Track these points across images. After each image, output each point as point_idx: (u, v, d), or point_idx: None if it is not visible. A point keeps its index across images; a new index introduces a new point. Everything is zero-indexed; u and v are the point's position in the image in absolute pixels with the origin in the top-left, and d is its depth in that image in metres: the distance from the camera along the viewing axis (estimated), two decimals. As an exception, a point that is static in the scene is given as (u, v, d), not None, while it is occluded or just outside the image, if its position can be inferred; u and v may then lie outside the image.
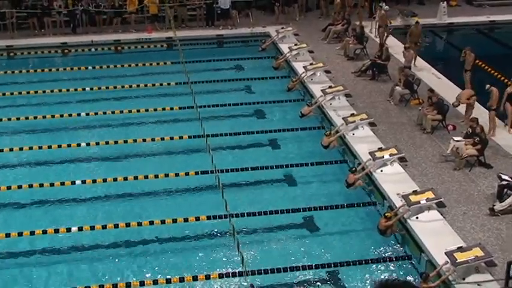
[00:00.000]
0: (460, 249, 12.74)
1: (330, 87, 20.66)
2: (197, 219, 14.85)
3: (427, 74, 22.06)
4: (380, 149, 16.66)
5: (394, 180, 15.67)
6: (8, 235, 14.43)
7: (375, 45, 23.44)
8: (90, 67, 24.38)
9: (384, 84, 21.78)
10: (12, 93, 22.16)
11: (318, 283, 12.92)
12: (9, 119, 20.15)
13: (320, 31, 27.05)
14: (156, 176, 16.59)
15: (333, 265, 13.25)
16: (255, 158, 17.69)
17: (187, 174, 16.72)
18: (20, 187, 16.36)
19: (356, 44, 24.49)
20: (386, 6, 26.51)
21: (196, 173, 16.72)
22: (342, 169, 16.93)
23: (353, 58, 24.19)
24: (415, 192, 14.62)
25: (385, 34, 24.40)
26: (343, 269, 13.19)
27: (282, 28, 26.72)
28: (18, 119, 20.14)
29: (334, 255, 13.61)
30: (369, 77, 22.46)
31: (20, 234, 14.46)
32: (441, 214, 14.32)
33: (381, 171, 16.07)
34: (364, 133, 18.01)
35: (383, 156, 16.29)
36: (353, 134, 17.94)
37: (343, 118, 18.57)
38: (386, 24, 25.15)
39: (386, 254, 13.80)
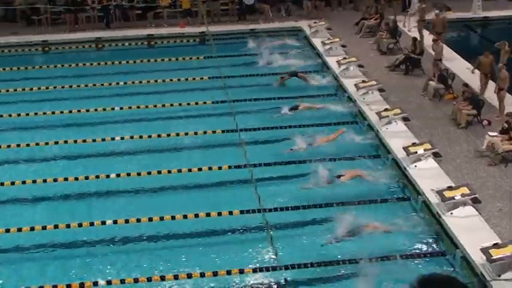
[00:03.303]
0: (496, 245, 12.60)
1: (363, 81, 20.58)
2: (230, 213, 14.85)
3: (462, 69, 21.82)
4: (414, 144, 16.55)
5: (428, 176, 15.55)
6: (44, 228, 14.58)
7: (409, 40, 23.24)
8: (123, 61, 24.53)
9: (417, 78, 21.60)
10: (47, 88, 22.38)
11: (352, 278, 12.84)
12: (44, 113, 20.35)
13: (353, 25, 26.93)
14: (190, 170, 16.66)
15: (366, 260, 13.04)
16: (288, 152, 17.59)
17: (220, 168, 16.73)
18: (55, 180, 16.52)
19: (389, 38, 24.33)
20: None
21: (230, 167, 16.73)
22: (376, 164, 16.82)
23: (386, 52, 24.05)
24: (449, 188, 14.52)
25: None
26: (377, 263, 13.05)
27: (315, 22, 26.66)
28: (53, 113, 20.34)
29: (367, 250, 13.44)
30: (402, 71, 22.30)
31: (56, 226, 14.61)
32: (476, 210, 14.18)
33: (415, 166, 15.95)
34: (397, 128, 17.91)
35: (417, 152, 16.18)
36: (386, 129, 17.84)
37: (376, 113, 18.49)
38: (424, 19, 24.88)
39: (420, 250, 13.67)
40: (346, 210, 14.75)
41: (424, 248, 13.80)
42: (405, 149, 16.35)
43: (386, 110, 18.55)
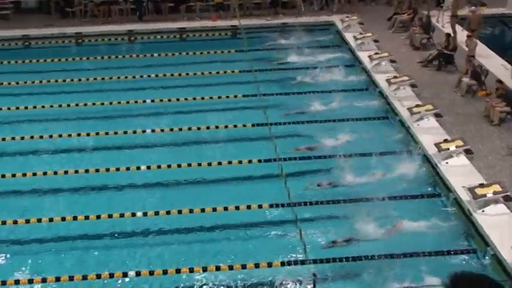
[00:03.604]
0: (528, 244, 12.48)
1: (395, 77, 20.45)
2: (260, 207, 14.88)
3: (496, 65, 21.55)
4: (446, 141, 16.43)
5: (459, 173, 15.45)
6: (75, 218, 14.77)
7: (442, 35, 23.03)
8: (155, 54, 24.64)
9: (450, 74, 21.40)
10: (80, 80, 22.56)
11: (381, 274, 12.76)
12: (76, 105, 20.51)
13: (385, 20, 26.75)
14: (220, 163, 16.71)
15: (395, 256, 13.09)
16: (319, 146, 17.59)
17: (250, 161, 16.76)
18: (87, 171, 16.68)
19: (422, 33, 24.13)
20: None
21: (260, 161, 16.75)
22: (406, 160, 16.72)
23: (419, 48, 23.86)
24: (481, 185, 14.38)
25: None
26: (405, 260, 13.02)
27: (347, 17, 26.53)
28: (85, 104, 20.49)
29: (395, 246, 13.44)
30: (435, 67, 22.11)
31: (87, 217, 14.78)
32: (508, 208, 14.02)
33: (447, 163, 15.83)
34: (429, 124, 17.78)
35: (449, 148, 16.06)
36: (418, 125, 17.72)
37: (408, 108, 18.37)
38: (457, 14, 24.60)
39: (450, 248, 13.54)
40: (376, 206, 14.66)
41: (455, 245, 13.66)
42: (437, 145, 16.24)
43: (418, 105, 18.43)
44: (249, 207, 14.87)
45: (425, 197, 15.28)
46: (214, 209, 14.81)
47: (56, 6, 29.05)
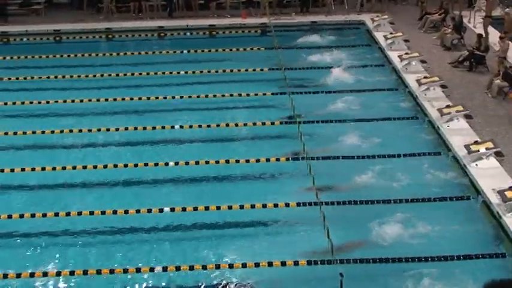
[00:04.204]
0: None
1: (425, 77, 20.31)
2: (287, 205, 14.84)
3: (528, 67, 21.28)
4: (476, 142, 16.27)
5: (489, 175, 15.26)
6: (103, 212, 14.88)
7: (473, 36, 22.80)
8: (184, 51, 24.68)
9: (481, 75, 21.19)
10: (110, 75, 22.68)
11: (408, 277, 12.67)
12: (106, 100, 20.60)
13: (416, 20, 26.56)
14: (248, 161, 16.72)
15: (423, 259, 12.99)
16: (347, 146, 17.51)
17: (278, 159, 16.74)
18: (115, 166, 16.76)
19: (454, 33, 23.90)
20: None
21: (287, 159, 16.72)
22: (436, 161, 16.58)
23: (450, 48, 23.64)
24: (511, 188, 14.19)
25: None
26: (435, 264, 12.90)
27: (377, 16, 26.40)
28: (114, 99, 20.59)
29: (425, 250, 13.33)
30: (466, 68, 21.88)
31: (115, 212, 14.85)
32: (539, 212, 13.85)
33: (476, 165, 15.67)
34: (459, 125, 17.61)
35: (478, 150, 15.90)
36: (448, 126, 17.57)
37: (438, 109, 18.23)
38: (490, 15, 24.34)
39: (479, 251, 13.33)
40: (404, 207, 14.58)
41: (483, 249, 13.47)
42: (466, 147, 16.09)
43: (448, 106, 18.29)
44: (276, 205, 14.84)
45: (454, 199, 15.08)
46: (242, 206, 14.80)
47: (88, 1, 29.20)
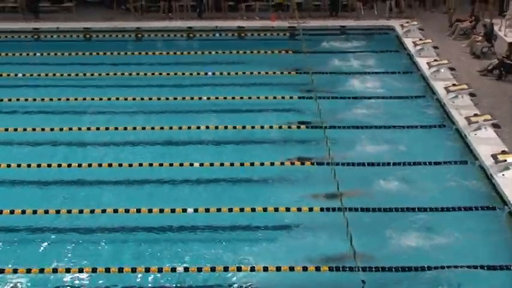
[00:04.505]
0: None
1: (454, 85, 20.17)
2: (310, 209, 14.79)
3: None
4: (503, 152, 16.12)
5: (516, 186, 15.09)
6: (127, 211, 14.92)
7: (504, 44, 22.59)
8: (213, 52, 24.71)
9: (510, 85, 20.98)
10: (138, 74, 22.77)
11: (430, 286, 12.57)
12: (134, 99, 20.68)
13: (447, 27, 26.38)
14: (272, 164, 16.68)
15: (446, 268, 12.84)
16: (373, 152, 17.43)
17: (303, 164, 16.68)
18: (140, 165, 16.84)
19: (484, 41, 23.68)
20: None
21: (312, 164, 16.67)
22: (462, 170, 16.45)
23: (479, 56, 23.42)
24: (538, 200, 14.08)
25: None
26: (457, 273, 12.78)
27: (407, 22, 26.25)
28: (142, 99, 20.66)
29: (448, 259, 13.19)
30: (495, 76, 21.68)
31: (139, 210, 14.91)
32: None
33: (503, 175, 15.51)
34: (487, 134, 17.44)
35: (506, 160, 15.73)
36: (475, 135, 17.41)
37: (465, 118, 18.08)
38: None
39: (504, 262, 13.17)
40: (428, 216, 14.49)
41: (509, 260, 13.28)
42: (494, 156, 15.93)
43: (476, 115, 18.13)
44: (299, 209, 14.79)
45: (479, 209, 14.91)
46: (265, 209, 14.77)
47: (117, 1, 29.40)
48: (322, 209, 14.77)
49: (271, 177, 16.45)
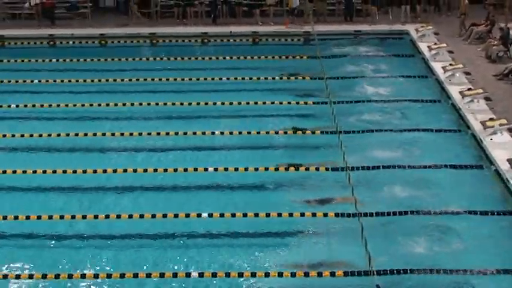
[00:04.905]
0: None
1: (469, 89, 20.06)
2: (325, 215, 14.74)
3: None
4: (520, 157, 16.05)
5: (532, 189, 15.02)
6: (141, 216, 14.95)
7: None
8: (227, 57, 24.80)
9: (527, 89, 20.94)
10: (153, 79, 22.89)
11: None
12: (148, 104, 20.79)
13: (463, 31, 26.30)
14: (287, 169, 16.70)
15: (461, 272, 12.83)
16: (387, 156, 17.37)
17: (317, 169, 16.66)
18: (155, 170, 16.89)
19: (500, 45, 23.56)
20: None
21: (327, 169, 16.63)
22: (478, 175, 16.40)
23: (495, 61, 23.30)
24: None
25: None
26: (474, 277, 12.77)
27: (422, 26, 26.18)
28: (156, 104, 20.75)
29: (463, 263, 13.14)
30: (511, 81, 21.55)
31: (154, 216, 14.91)
32: None
33: (519, 180, 15.46)
34: (503, 139, 17.33)
35: (523, 164, 15.67)
36: (491, 139, 17.31)
37: (481, 122, 17.98)
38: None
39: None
40: (443, 219, 14.47)
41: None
42: (509, 160, 15.83)
43: (491, 119, 18.03)
44: (314, 214, 14.78)
45: (495, 213, 14.81)
46: (280, 214, 14.74)
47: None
48: (337, 214, 14.74)
49: (285, 183, 16.41)
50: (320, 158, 17.39)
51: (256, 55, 24.89)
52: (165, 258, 13.80)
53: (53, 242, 14.41)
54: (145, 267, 13.43)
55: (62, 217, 14.92)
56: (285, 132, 18.84)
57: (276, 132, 18.86)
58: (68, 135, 18.73)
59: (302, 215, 14.75)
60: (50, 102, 21.00)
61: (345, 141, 17.13)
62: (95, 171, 16.83)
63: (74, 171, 16.83)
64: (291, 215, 14.75)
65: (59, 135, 18.75)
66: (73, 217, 14.96)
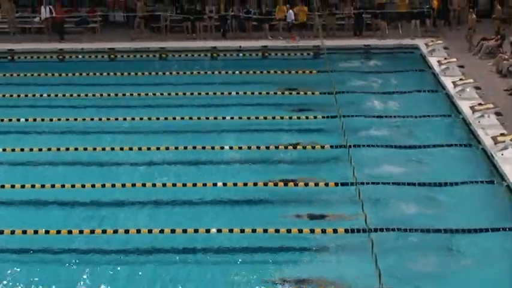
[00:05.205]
0: None
1: (480, 104, 19.95)
2: (335, 231, 14.71)
3: None
4: (531, 172, 15.94)
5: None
6: (149, 231, 14.94)
7: (531, 63, 22.43)
8: (236, 72, 24.83)
9: (538, 104, 20.80)
10: (162, 94, 22.93)
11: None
12: (157, 118, 20.79)
13: (474, 45, 26.20)
14: (296, 185, 16.63)
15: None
16: (397, 172, 17.30)
17: (326, 185, 16.60)
18: (164, 185, 16.93)
19: (510, 59, 23.45)
20: None
21: (336, 184, 16.57)
22: (489, 190, 16.30)
23: (506, 75, 23.18)
24: None
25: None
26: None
27: (432, 41, 26.14)
28: (166, 118, 20.75)
29: (478, 280, 13.15)
30: (522, 95, 21.51)
31: (162, 231, 14.89)
32: None
33: (531, 195, 15.36)
34: (514, 154, 17.25)
35: (534, 181, 15.57)
36: (502, 155, 17.18)
37: (492, 137, 17.88)
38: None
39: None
40: (455, 237, 14.41)
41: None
42: (521, 176, 15.77)
43: (502, 134, 17.91)
44: (323, 230, 14.72)
45: (507, 229, 14.67)
46: (289, 231, 14.72)
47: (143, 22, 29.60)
48: (346, 230, 14.67)
49: (295, 199, 16.37)
50: (330, 172, 17.29)
51: (265, 69, 24.87)
52: (173, 275, 13.74)
53: (69, 256, 14.36)
54: (143, 283, 13.39)
55: (59, 232, 14.91)
56: (294, 147, 18.75)
57: (285, 147, 18.79)
58: (76, 149, 18.76)
59: (312, 231, 14.71)
60: (58, 116, 21.02)
61: (354, 156, 16.82)
62: (103, 186, 16.84)
63: (83, 186, 16.82)
64: (300, 231, 14.71)
65: (67, 149, 18.75)
66: (69, 232, 14.93)
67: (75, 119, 20.87)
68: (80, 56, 27.21)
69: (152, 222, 15.35)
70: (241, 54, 27.13)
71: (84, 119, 20.86)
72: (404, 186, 16.44)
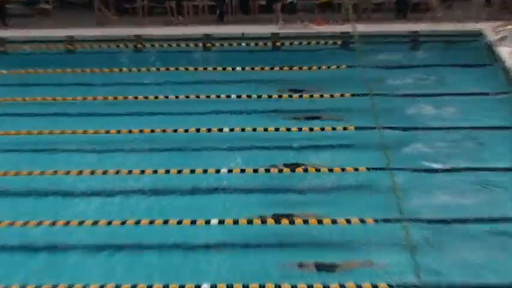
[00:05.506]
0: None
1: None
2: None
3: None
4: None
5: None
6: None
7: None
8: (238, 67, 24.86)
9: None
10: (136, 97, 22.85)
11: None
12: (129, 131, 20.64)
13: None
14: (320, 222, 16.30)
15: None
16: (455, 203, 17.16)
17: (362, 221, 16.38)
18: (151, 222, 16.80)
19: None
20: None
21: (376, 221, 16.35)
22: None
23: None
24: None
25: None
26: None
27: (502, 25, 26.15)
28: (141, 131, 20.64)
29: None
30: None
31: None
32: None
33: None
34: None
35: None
36: None
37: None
38: None
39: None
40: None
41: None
42: None
43: None
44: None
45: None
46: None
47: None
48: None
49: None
50: (367, 206, 17.07)
51: (277, 64, 24.87)
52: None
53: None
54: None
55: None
56: (317, 170, 18.39)
57: (306, 170, 18.37)
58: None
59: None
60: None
61: (399, 182, 16.77)
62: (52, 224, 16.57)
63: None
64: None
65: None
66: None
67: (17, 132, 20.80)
68: (27, 47, 27.19)
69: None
70: (244, 44, 27.12)
71: (35, 132, 20.75)
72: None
